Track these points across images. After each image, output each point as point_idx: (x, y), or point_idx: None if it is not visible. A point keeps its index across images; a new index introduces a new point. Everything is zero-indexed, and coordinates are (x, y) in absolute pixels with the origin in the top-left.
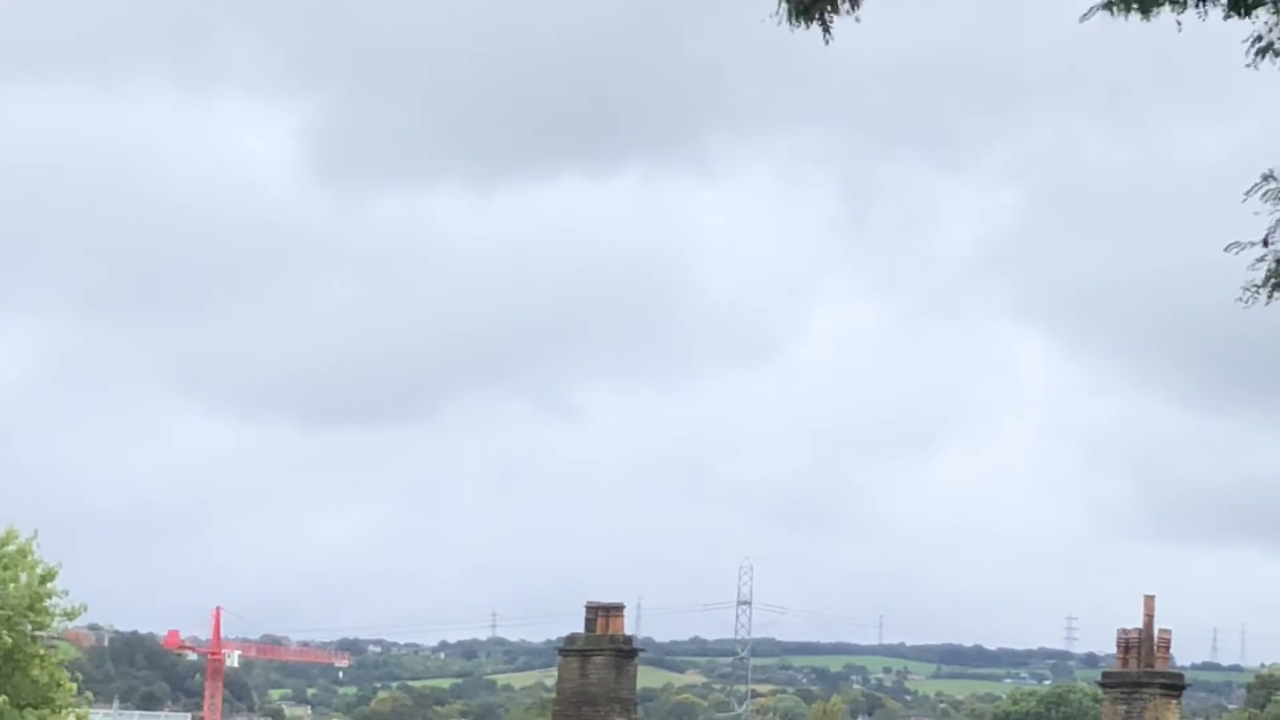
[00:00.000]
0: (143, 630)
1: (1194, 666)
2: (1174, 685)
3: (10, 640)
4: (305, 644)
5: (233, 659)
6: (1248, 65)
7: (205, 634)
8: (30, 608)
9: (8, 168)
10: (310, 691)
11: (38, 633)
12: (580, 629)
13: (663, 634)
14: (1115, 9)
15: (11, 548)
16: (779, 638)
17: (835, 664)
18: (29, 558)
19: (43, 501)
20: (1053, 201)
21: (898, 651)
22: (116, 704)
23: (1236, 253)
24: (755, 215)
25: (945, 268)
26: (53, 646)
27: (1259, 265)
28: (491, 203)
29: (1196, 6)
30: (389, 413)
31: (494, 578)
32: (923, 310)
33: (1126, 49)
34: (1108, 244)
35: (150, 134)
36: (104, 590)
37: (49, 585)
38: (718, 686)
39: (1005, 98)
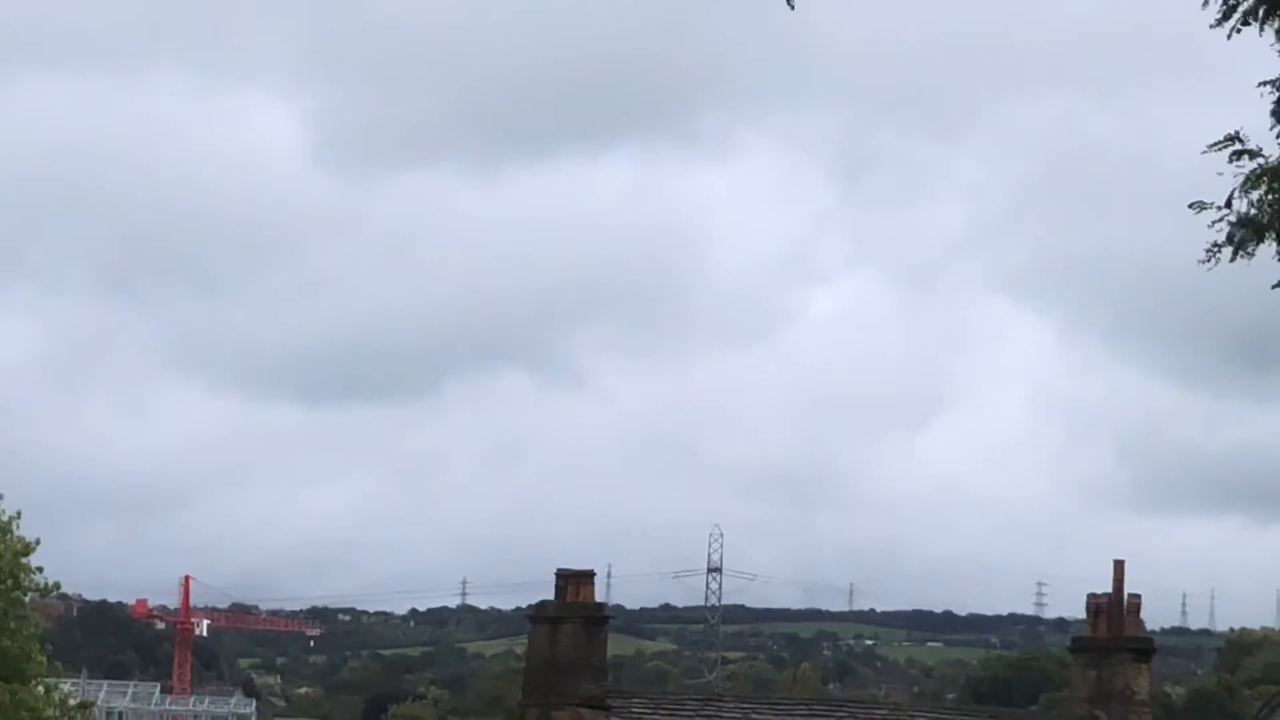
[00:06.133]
0: (111, 599)
1: (1164, 631)
2: (1144, 650)
3: None
4: (275, 613)
5: (201, 628)
6: (1211, 26)
7: (175, 604)
8: (4, 582)
9: (32, 154)
10: (280, 660)
11: (9, 608)
12: (550, 597)
13: (633, 601)
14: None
15: None
16: (750, 605)
17: (807, 631)
18: (9, 536)
19: (31, 477)
20: (1048, 179)
21: (869, 618)
22: (85, 673)
23: (1198, 211)
24: (750, 194)
25: (938, 244)
26: (23, 618)
27: (1218, 226)
28: (494, 184)
29: None
30: (389, 391)
31: (467, 548)
32: (916, 287)
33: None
34: (1101, 221)
35: (164, 122)
36: (79, 561)
37: (24, 560)
38: (688, 653)
39: (1003, 75)
